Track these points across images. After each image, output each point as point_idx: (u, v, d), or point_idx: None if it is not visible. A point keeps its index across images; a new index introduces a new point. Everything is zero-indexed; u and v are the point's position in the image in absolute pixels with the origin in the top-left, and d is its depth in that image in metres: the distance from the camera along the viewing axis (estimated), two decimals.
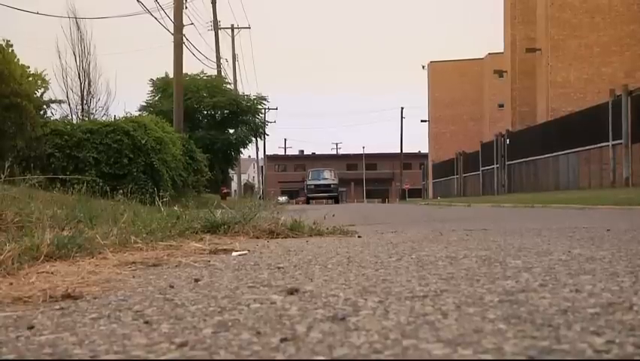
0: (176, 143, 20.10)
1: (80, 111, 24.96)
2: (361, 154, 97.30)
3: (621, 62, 36.56)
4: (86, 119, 21.32)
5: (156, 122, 19.76)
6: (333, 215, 7.05)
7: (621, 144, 23.67)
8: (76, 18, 26.71)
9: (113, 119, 19.17)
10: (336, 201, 45.00)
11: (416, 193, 71.77)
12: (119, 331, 1.34)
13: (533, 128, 35.68)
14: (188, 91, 33.46)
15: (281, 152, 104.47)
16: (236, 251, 3.05)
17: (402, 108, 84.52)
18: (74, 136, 16.89)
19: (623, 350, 1.07)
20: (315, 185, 45.95)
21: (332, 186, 46.22)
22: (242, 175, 61.23)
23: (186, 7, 28.23)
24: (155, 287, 1.93)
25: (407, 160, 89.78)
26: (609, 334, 1.17)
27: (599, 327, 1.23)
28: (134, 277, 2.22)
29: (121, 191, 8.52)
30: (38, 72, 15.82)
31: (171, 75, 30.11)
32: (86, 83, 26.41)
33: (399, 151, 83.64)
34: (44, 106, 17.32)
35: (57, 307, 1.64)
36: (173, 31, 26.08)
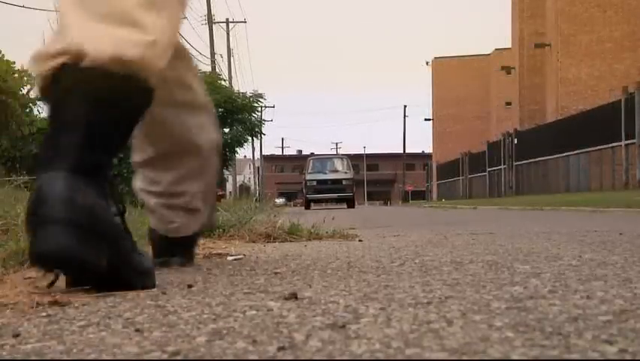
0: None
1: None
2: (362, 154, 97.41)
3: (634, 58, 36.62)
4: None
5: None
6: (333, 218, 7.05)
7: (634, 143, 23.69)
8: None
9: None
10: (351, 205, 30.10)
11: (420, 195, 71.79)
12: (109, 339, 1.34)
13: (542, 128, 35.72)
14: None
15: (278, 152, 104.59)
16: (232, 255, 3.05)
17: (404, 106, 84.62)
18: None
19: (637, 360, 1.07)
20: (319, 181, 31.05)
21: (344, 182, 30.98)
22: (237, 176, 61.29)
23: None
24: (147, 293, 1.93)
25: (410, 161, 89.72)
26: (622, 342, 1.17)
27: (611, 335, 1.23)
28: None
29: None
30: (24, 68, 15.81)
31: None
32: None
33: (401, 151, 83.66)
34: (31, 104, 17.32)
35: (44, 314, 1.64)
36: None
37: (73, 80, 1.76)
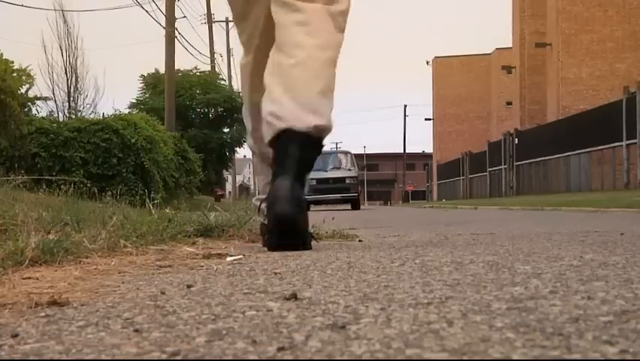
0: (167, 142, 20.12)
1: (66, 109, 25.03)
2: (362, 154, 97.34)
3: (636, 57, 36.59)
4: (73, 117, 21.35)
5: (147, 120, 19.78)
6: (333, 218, 7.05)
7: (635, 143, 23.67)
8: (62, 11, 26.77)
9: (101, 117, 19.19)
10: (355, 206, 26.58)
11: (420, 195, 71.76)
12: (108, 339, 1.34)
13: (543, 127, 35.70)
14: (181, 88, 33.42)
15: None
16: (231, 256, 3.05)
17: (405, 106, 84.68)
18: (61, 135, 16.90)
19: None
20: (320, 180, 26.25)
21: (348, 180, 27.18)
22: (237, 176, 61.24)
23: (179, 0, 28.23)
24: (146, 293, 1.93)
25: (410, 161, 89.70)
26: (623, 343, 1.17)
27: (612, 336, 1.23)
28: (123, 282, 2.22)
29: (109, 192, 8.53)
30: (23, 67, 15.83)
31: (162, 71, 30.11)
32: (73, 79, 26.49)
33: (402, 151, 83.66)
34: (29, 103, 17.35)
35: (42, 314, 1.64)
36: (165, 25, 26.07)
37: (292, 137, 3.22)
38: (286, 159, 3.22)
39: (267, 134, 3.30)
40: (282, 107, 3.27)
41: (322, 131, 3.31)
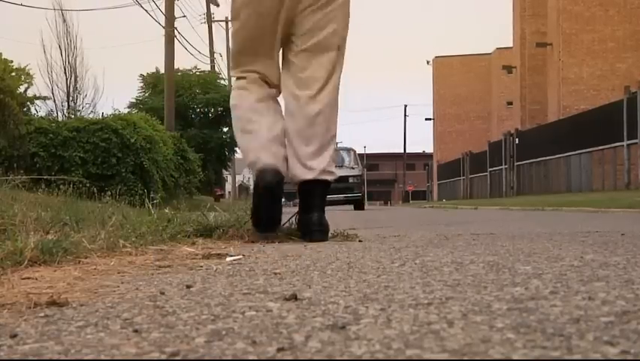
0: (167, 142, 20.11)
1: (65, 108, 25.03)
2: (362, 154, 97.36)
3: (637, 57, 36.59)
4: (72, 116, 21.35)
5: (146, 119, 19.78)
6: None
7: (636, 143, 23.66)
8: (62, 10, 26.77)
9: (100, 117, 19.21)
10: (359, 207, 24.87)
11: (420, 195, 71.78)
12: (107, 340, 1.34)
13: (544, 127, 35.68)
14: (180, 87, 33.40)
15: None
16: (231, 256, 3.05)
17: (405, 106, 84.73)
18: (60, 134, 16.90)
19: None
20: None
21: (351, 180, 25.17)
22: (236, 176, 61.22)
23: None
24: (145, 294, 1.93)
25: (411, 161, 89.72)
26: (624, 344, 1.17)
27: (613, 337, 1.23)
28: (122, 283, 2.22)
29: (109, 192, 8.53)
30: (22, 67, 15.85)
31: (162, 70, 30.12)
32: (73, 78, 26.49)
33: (402, 151, 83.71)
34: (28, 102, 17.36)
35: (42, 314, 1.64)
36: (164, 25, 26.06)
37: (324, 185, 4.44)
38: (321, 200, 4.38)
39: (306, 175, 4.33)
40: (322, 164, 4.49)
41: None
